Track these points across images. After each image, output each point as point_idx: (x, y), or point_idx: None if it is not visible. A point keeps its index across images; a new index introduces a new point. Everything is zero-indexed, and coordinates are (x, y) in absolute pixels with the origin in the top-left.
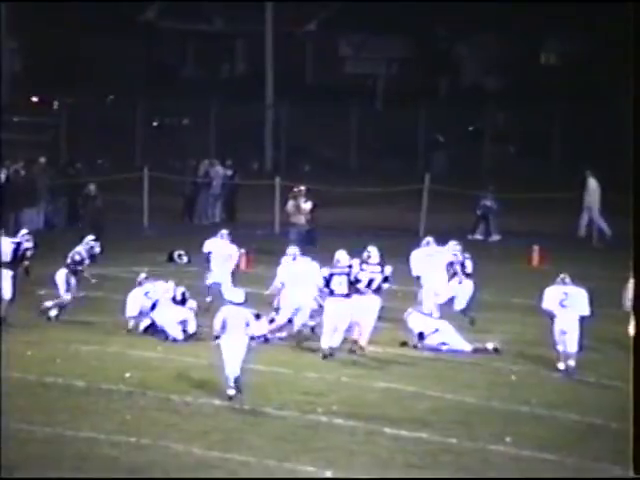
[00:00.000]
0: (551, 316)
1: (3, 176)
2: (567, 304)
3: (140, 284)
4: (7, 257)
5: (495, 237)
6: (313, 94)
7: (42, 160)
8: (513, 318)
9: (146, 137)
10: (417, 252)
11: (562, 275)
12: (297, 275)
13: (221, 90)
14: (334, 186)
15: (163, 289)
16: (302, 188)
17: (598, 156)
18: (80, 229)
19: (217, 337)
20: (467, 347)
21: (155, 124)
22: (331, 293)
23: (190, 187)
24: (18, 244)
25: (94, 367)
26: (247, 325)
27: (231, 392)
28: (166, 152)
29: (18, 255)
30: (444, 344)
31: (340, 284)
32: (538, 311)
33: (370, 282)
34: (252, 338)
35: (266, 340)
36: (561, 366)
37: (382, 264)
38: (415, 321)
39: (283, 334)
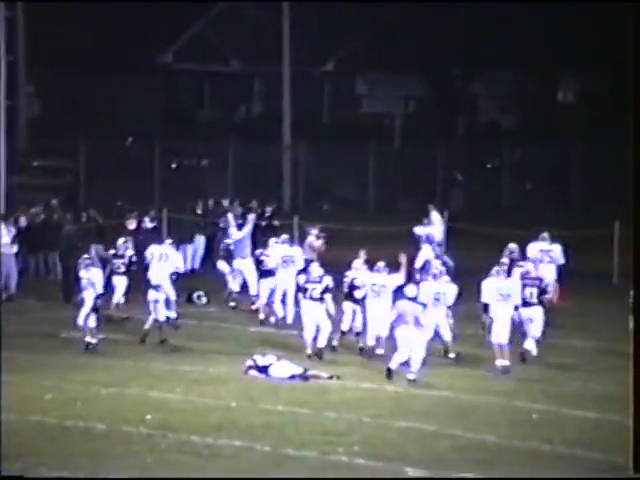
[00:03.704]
0: None
1: (23, 220)
2: None
3: None
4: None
5: None
6: (330, 133)
7: (54, 202)
8: (533, 357)
9: (165, 179)
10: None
11: None
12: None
13: (239, 131)
14: (352, 225)
15: None
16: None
17: (615, 192)
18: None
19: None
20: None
21: (173, 166)
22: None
23: (209, 228)
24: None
25: (114, 409)
26: (416, 318)
27: (411, 376)
28: (185, 193)
29: None
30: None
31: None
32: (559, 350)
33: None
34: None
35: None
36: None
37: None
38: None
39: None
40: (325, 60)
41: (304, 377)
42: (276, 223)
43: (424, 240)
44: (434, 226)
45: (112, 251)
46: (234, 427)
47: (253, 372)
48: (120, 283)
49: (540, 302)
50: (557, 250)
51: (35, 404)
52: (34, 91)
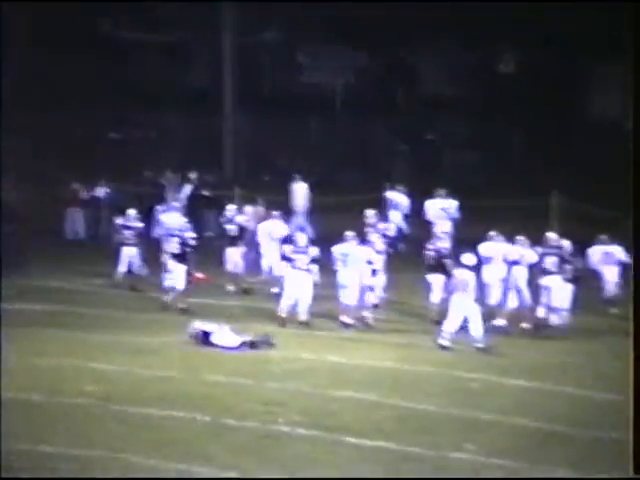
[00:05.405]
0: None
1: None
2: None
3: None
4: (176, 249)
5: None
6: (271, 104)
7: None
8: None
9: (104, 151)
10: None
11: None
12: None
13: (179, 101)
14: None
15: None
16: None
17: (558, 163)
18: None
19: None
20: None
21: (113, 137)
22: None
23: (150, 199)
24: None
25: (52, 381)
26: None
27: (481, 344)
28: (125, 165)
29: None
30: None
31: None
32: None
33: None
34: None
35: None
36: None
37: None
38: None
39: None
40: (265, 30)
41: (247, 344)
42: (207, 194)
43: (393, 206)
44: (297, 198)
45: (120, 221)
46: (175, 398)
47: (195, 340)
48: (129, 254)
49: (561, 271)
50: (453, 206)
51: None
52: None
